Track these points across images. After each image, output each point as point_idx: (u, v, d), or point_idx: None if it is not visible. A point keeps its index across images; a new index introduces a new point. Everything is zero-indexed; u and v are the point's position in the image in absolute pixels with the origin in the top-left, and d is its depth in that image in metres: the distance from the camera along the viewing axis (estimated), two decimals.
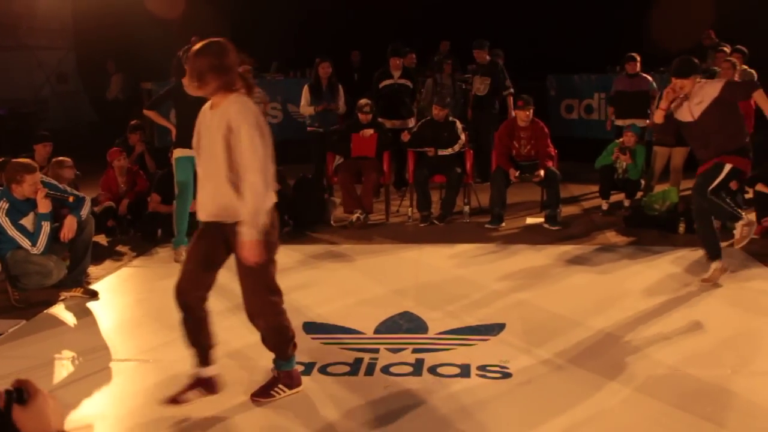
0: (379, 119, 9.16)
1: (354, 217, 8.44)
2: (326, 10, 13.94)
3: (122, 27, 12.85)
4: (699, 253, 7.02)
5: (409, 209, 8.83)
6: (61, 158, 7.52)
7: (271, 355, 4.20)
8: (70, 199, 5.97)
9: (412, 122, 9.92)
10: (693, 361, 4.58)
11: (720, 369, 4.45)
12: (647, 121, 9.64)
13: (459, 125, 8.84)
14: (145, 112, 7.18)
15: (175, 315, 5.47)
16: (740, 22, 11.23)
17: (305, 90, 9.65)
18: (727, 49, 10.02)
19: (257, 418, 3.99)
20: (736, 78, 8.92)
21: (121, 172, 8.38)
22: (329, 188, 9.36)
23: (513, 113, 8.94)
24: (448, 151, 8.65)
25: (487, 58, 10.72)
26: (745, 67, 9.63)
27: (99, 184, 8.42)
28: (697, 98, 5.85)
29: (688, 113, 5.93)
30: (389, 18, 13.46)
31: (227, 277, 4.22)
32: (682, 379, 4.34)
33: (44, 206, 5.83)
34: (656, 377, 4.37)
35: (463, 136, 8.79)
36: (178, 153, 6.95)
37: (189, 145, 6.91)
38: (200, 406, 4.09)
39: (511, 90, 10.67)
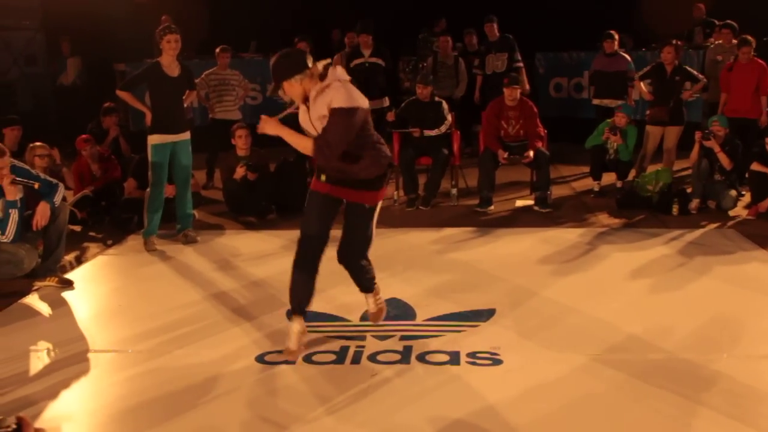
0: None
1: None
2: None
3: (92, 5, 12.53)
4: (694, 234, 6.98)
5: (395, 192, 8.65)
6: (34, 144, 7.31)
7: None
8: (36, 185, 5.75)
9: (386, 102, 9.73)
10: (687, 346, 4.51)
11: (715, 353, 4.39)
12: (623, 102, 9.54)
13: (445, 106, 8.65)
14: (119, 92, 6.88)
15: (152, 304, 5.43)
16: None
17: None
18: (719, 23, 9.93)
19: (240, 409, 3.87)
20: (751, 55, 8.81)
21: (93, 159, 8.15)
22: (311, 171, 9.16)
23: (527, 86, 9.13)
24: (434, 132, 8.46)
25: (497, 34, 10.56)
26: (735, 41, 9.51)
27: (71, 170, 8.20)
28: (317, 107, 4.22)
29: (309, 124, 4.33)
30: None
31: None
32: (676, 364, 4.27)
33: (10, 193, 5.64)
34: (650, 362, 4.31)
35: (449, 117, 8.61)
36: (154, 139, 6.73)
37: (166, 131, 6.77)
38: (180, 398, 3.99)
39: (521, 63, 10.54)
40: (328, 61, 4.31)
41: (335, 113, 4.11)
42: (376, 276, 4.77)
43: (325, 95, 4.15)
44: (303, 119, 4.32)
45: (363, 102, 4.22)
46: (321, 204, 4.40)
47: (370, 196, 4.39)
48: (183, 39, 6.75)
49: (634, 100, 9.78)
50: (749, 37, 8.93)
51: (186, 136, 6.89)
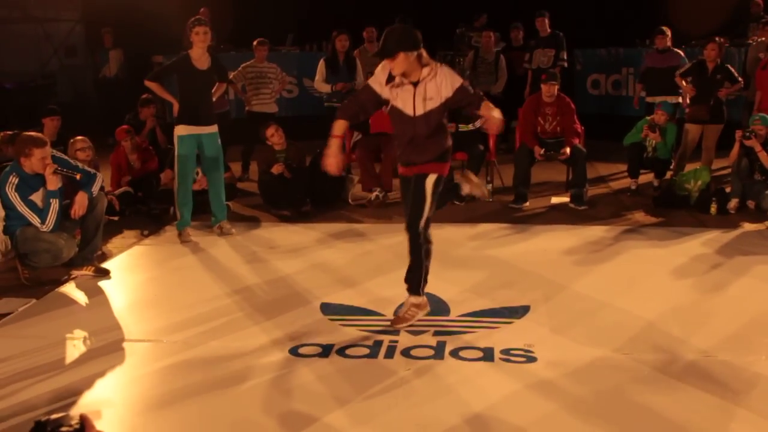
0: None
1: (373, 195, 8.26)
2: None
3: None
4: (732, 234, 6.86)
5: None
6: (75, 138, 7.40)
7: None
8: (78, 176, 5.82)
9: None
10: (725, 347, 4.43)
11: (754, 355, 4.30)
12: (679, 99, 9.38)
13: None
14: (147, 83, 6.92)
15: (187, 295, 5.46)
16: None
17: (321, 64, 9.44)
18: None
19: (273, 401, 3.87)
20: None
21: (131, 150, 8.22)
22: (347, 166, 9.16)
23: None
24: (469, 127, 8.41)
25: (549, 30, 10.51)
26: None
27: (109, 161, 8.28)
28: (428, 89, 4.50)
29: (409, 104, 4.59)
30: None
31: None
32: (713, 364, 4.20)
33: (53, 183, 5.69)
34: (686, 361, 4.24)
35: None
36: (180, 130, 6.75)
37: (193, 122, 6.78)
38: (214, 389, 3.99)
39: (565, 63, 10.48)
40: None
41: (464, 88, 4.51)
42: (422, 284, 4.84)
43: (438, 79, 4.46)
44: (404, 97, 4.56)
45: None
46: (405, 187, 4.87)
47: (428, 167, 4.67)
48: (221, 31, 6.77)
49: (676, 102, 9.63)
50: None
51: (213, 128, 6.90)
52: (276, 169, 7.88)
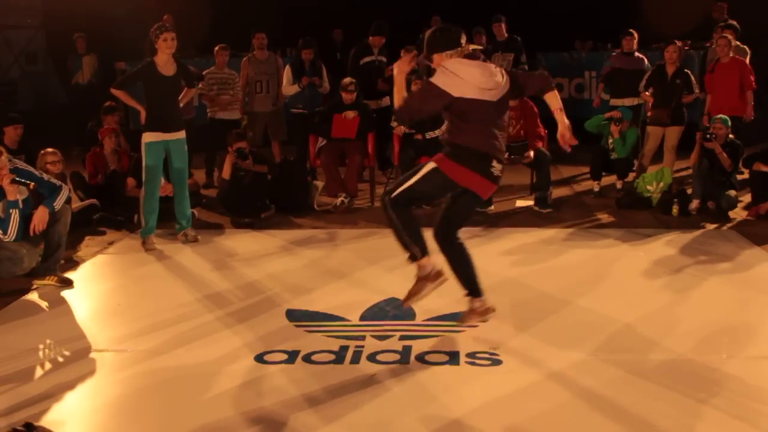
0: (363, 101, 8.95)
1: (338, 201, 8.25)
2: None
3: (93, 4, 12.46)
4: (694, 234, 6.96)
5: None
6: (45, 150, 7.33)
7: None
8: (31, 185, 5.72)
9: (387, 101, 9.74)
10: (687, 346, 4.48)
11: (715, 354, 4.37)
12: (638, 100, 9.48)
13: None
14: (113, 91, 6.85)
15: (151, 304, 5.42)
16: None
17: (287, 70, 9.43)
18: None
19: (239, 408, 3.85)
20: (731, 54, 8.78)
21: (112, 150, 8.22)
22: (312, 171, 9.15)
23: None
24: (437, 133, 8.43)
25: (506, 34, 10.60)
26: (738, 43, 9.45)
27: (86, 159, 8.20)
28: None
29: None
30: None
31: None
32: (676, 364, 4.25)
33: (10, 193, 5.59)
34: (650, 361, 4.29)
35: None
36: (148, 137, 6.70)
37: (160, 129, 6.74)
38: (180, 398, 3.98)
39: (526, 67, 10.59)
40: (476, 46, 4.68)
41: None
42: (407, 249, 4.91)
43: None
44: None
45: (455, 89, 4.35)
46: None
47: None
48: (185, 38, 6.73)
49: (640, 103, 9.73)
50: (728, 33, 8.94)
51: (181, 135, 6.85)
52: (226, 167, 7.81)
